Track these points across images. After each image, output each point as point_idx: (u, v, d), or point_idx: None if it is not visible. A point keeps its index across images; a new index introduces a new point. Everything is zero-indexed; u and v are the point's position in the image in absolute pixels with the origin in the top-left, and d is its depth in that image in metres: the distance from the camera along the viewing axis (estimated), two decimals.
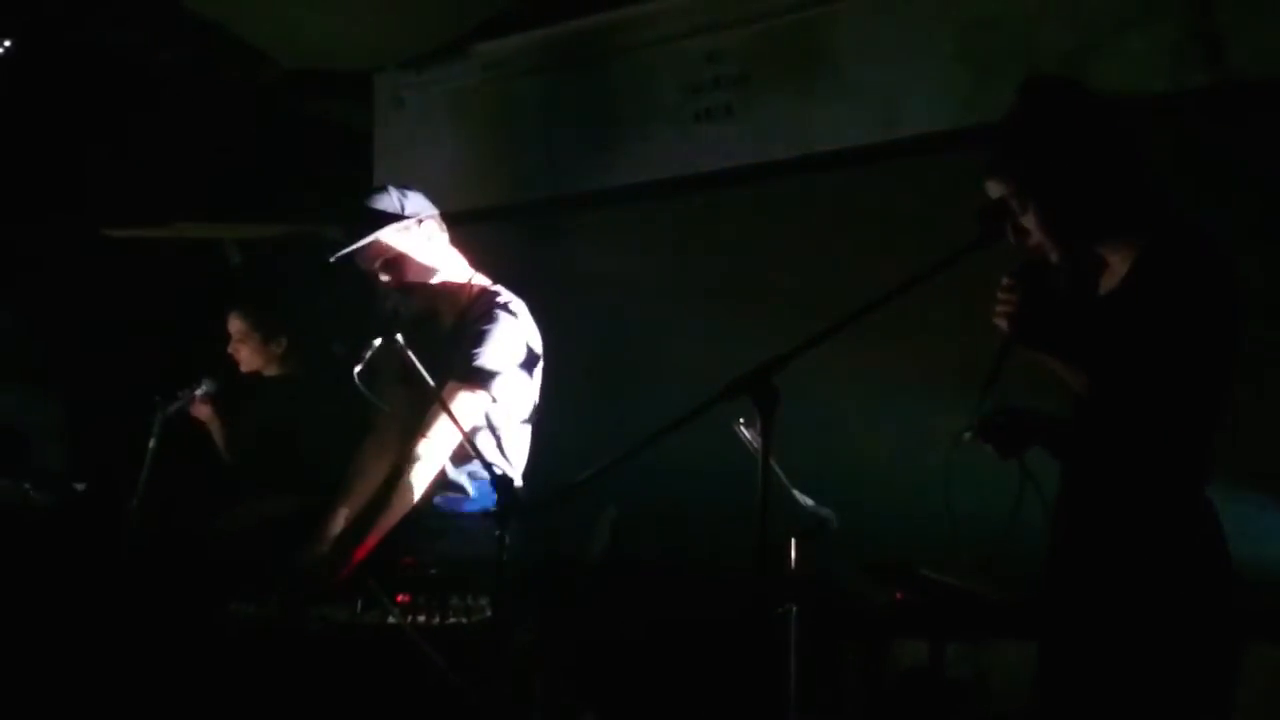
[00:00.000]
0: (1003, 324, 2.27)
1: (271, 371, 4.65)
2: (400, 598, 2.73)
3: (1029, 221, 2.33)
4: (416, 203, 3.18)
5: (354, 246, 3.09)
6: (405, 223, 3.12)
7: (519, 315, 3.15)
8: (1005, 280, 2.29)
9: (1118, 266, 2.37)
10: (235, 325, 4.62)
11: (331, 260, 3.11)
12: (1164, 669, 2.23)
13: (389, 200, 3.15)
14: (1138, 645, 2.24)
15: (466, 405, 3.00)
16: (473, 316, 3.14)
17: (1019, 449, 2.34)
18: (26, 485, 4.39)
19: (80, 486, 4.54)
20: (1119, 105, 2.37)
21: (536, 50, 5.12)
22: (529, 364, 3.15)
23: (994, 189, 2.35)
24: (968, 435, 2.35)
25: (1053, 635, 2.39)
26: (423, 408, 2.99)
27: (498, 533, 2.49)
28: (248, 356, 4.61)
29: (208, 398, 4.46)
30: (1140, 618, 2.24)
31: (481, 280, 3.26)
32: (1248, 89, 3.63)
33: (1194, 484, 2.28)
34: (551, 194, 5.11)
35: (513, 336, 3.10)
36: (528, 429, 3.22)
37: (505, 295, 3.19)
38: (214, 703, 2.81)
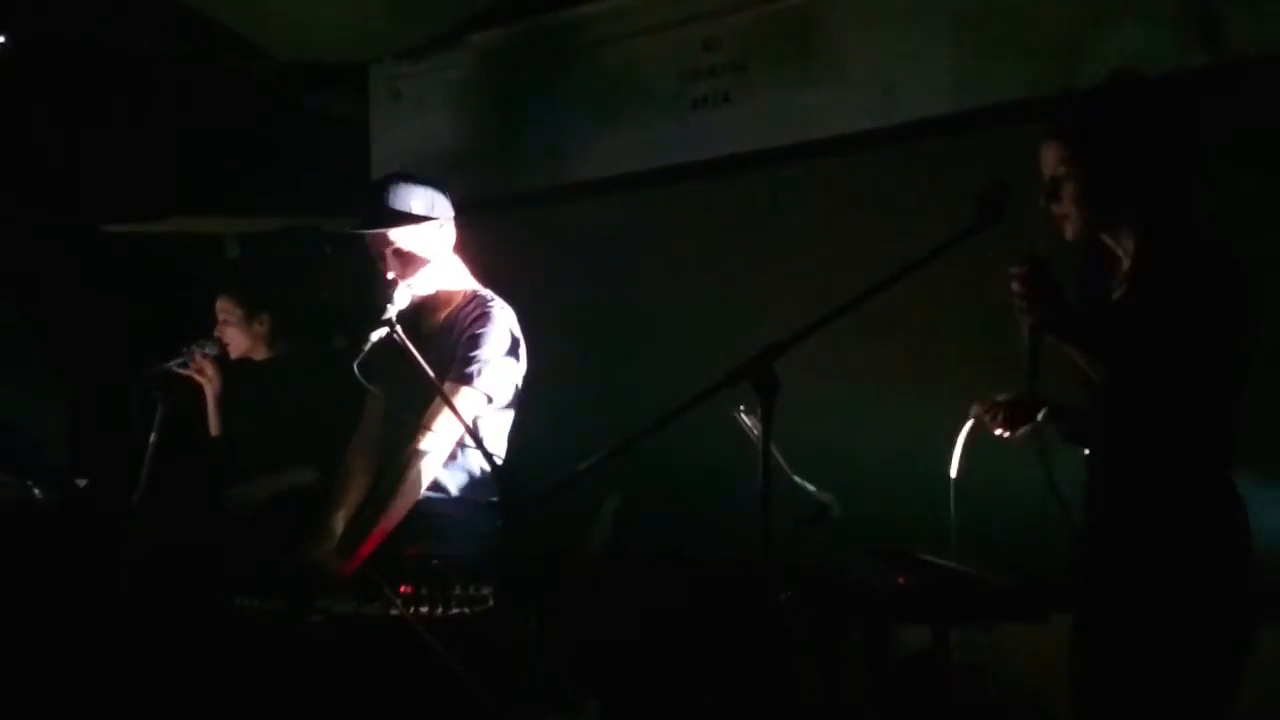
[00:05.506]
0: (1027, 318, 2.30)
1: (260, 355, 4.63)
2: (403, 589, 2.73)
3: (1068, 191, 2.34)
4: (441, 204, 3.21)
5: (374, 231, 3.14)
6: (430, 224, 3.16)
7: (505, 313, 3.22)
8: (1015, 270, 2.30)
9: (1125, 257, 2.38)
10: (220, 305, 4.60)
11: (350, 232, 3.17)
12: (1180, 645, 2.26)
13: (421, 196, 3.17)
14: (1159, 621, 2.28)
15: (464, 404, 3.05)
16: (466, 319, 3.20)
17: (1021, 425, 2.52)
18: (30, 482, 4.38)
19: (82, 483, 4.53)
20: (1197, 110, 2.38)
21: (532, 39, 5.11)
22: (513, 351, 3.20)
23: (1051, 151, 2.37)
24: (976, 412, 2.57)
25: (1086, 612, 2.43)
26: (412, 400, 3.00)
27: (499, 523, 2.49)
28: (234, 337, 4.58)
29: (208, 358, 4.45)
30: (1162, 595, 2.28)
31: (471, 284, 3.30)
32: (1248, 67, 3.62)
33: (1213, 469, 2.31)
34: (548, 183, 5.10)
35: (503, 335, 3.18)
36: (509, 414, 3.26)
37: (492, 297, 3.26)
38: (219, 697, 2.81)
